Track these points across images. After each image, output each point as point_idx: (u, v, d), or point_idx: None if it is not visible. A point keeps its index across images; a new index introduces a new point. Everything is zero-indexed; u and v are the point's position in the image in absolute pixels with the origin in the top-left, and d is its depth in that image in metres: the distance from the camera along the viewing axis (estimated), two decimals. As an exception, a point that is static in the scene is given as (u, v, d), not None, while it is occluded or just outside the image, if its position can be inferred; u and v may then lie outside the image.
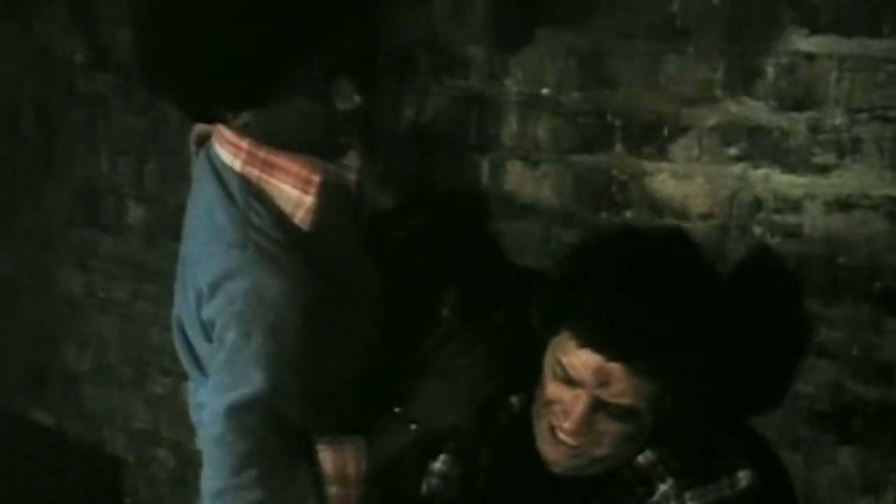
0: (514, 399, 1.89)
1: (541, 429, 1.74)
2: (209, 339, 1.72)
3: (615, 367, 1.62)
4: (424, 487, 1.91)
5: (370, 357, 1.86)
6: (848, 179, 1.92)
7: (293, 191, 1.69)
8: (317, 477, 1.75)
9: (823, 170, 1.94)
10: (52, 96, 3.34)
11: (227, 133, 1.70)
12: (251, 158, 1.69)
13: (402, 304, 1.89)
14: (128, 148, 3.16)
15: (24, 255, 3.64)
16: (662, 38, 2.07)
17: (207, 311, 1.69)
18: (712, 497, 1.69)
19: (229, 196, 1.70)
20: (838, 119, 1.91)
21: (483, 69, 2.33)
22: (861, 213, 1.92)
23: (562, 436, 1.69)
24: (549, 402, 1.71)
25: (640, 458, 1.73)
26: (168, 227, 3.07)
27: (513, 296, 1.99)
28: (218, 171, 1.73)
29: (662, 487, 1.70)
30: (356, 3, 1.60)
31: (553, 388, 1.70)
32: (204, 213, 1.73)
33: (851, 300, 1.95)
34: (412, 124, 2.45)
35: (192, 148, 1.87)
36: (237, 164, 1.70)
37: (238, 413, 1.67)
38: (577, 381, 1.65)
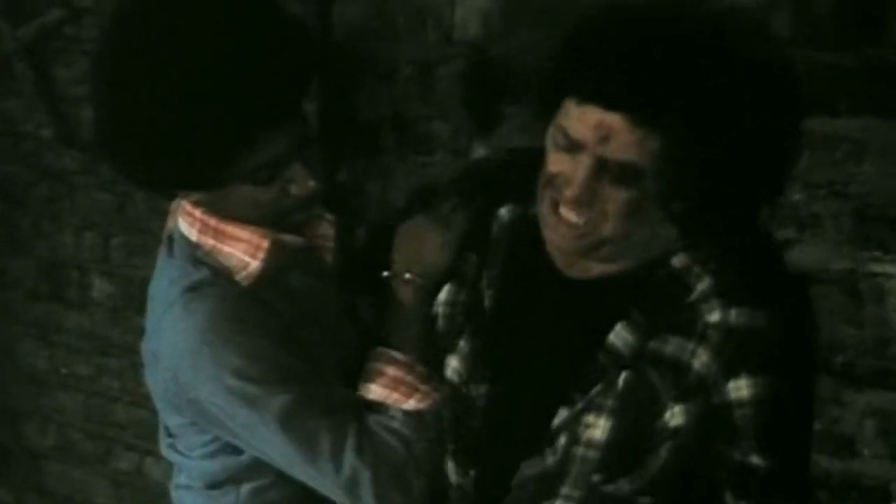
0: (502, 210, 1.83)
1: (544, 213, 1.66)
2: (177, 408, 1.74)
3: (615, 119, 1.55)
4: (434, 320, 1.84)
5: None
6: (808, 254, 1.95)
7: (243, 256, 1.74)
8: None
9: (784, 245, 1.96)
10: (17, 171, 3.34)
11: (185, 204, 1.77)
12: (204, 227, 1.76)
13: None
14: (93, 223, 3.16)
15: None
16: (624, 115, 2.10)
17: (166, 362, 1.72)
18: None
19: (172, 261, 1.76)
20: (797, 195, 1.94)
21: (448, 146, 2.36)
22: (821, 288, 1.94)
23: (564, 212, 1.61)
24: (552, 177, 1.63)
25: (675, 261, 1.61)
26: (133, 301, 3.06)
27: None
28: (171, 241, 1.78)
29: (700, 287, 1.57)
30: (293, 107, 1.64)
31: (555, 160, 1.62)
32: (154, 290, 1.78)
33: (813, 374, 1.97)
34: (378, 201, 2.46)
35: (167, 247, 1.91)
36: (193, 234, 1.77)
37: (292, 418, 1.67)
38: (578, 141, 1.58)
